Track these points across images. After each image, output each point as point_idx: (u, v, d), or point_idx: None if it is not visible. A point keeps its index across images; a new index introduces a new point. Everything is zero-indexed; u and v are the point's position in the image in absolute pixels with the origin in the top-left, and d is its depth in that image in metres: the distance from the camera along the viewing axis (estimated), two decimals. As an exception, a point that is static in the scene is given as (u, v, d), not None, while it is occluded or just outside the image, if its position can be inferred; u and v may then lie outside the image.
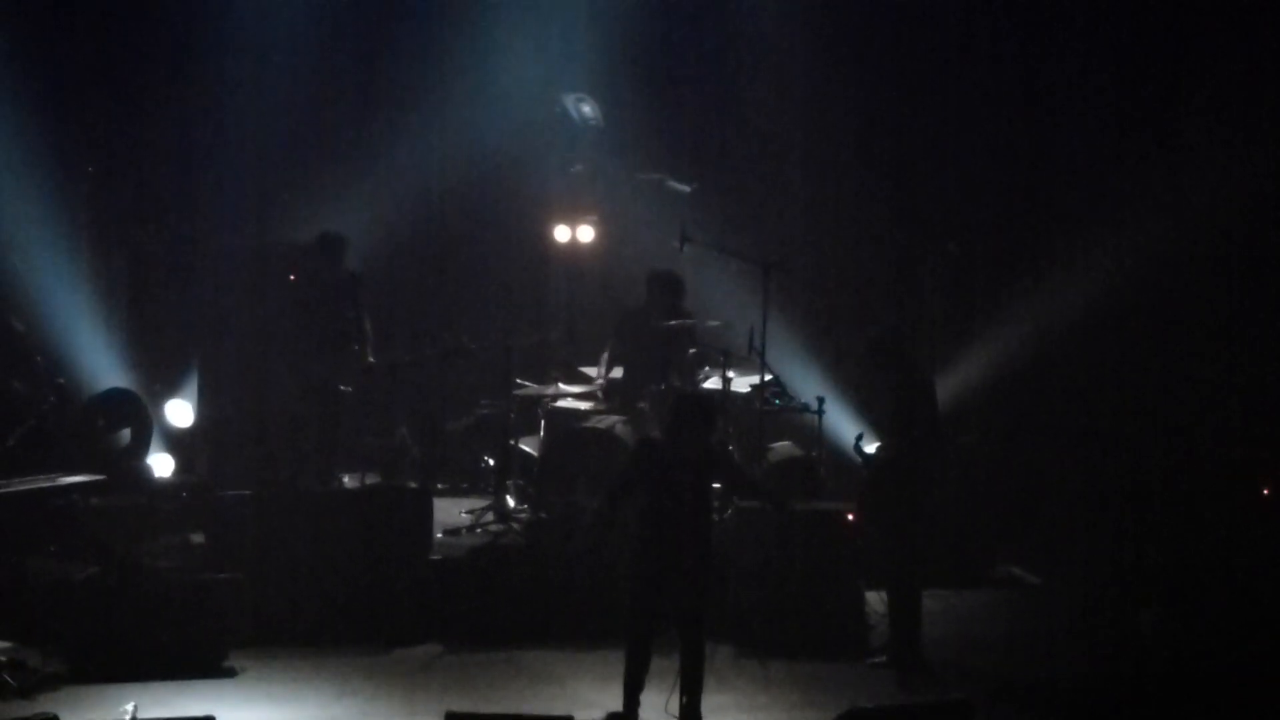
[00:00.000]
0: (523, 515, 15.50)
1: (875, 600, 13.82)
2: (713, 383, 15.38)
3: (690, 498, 11.49)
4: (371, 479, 15.93)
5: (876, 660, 13.27)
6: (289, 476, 15.48)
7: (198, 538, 14.55)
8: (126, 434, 15.41)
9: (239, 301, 16.32)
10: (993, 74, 17.91)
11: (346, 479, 15.96)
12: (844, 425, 14.61)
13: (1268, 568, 14.46)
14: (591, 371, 16.26)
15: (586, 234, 18.22)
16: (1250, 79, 16.93)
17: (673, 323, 15.62)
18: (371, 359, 15.86)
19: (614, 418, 15.32)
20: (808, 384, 15.73)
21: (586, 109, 18.29)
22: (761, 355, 14.69)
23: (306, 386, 15.76)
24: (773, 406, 14.99)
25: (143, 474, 15.53)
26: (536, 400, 16.04)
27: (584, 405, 15.78)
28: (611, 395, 15.90)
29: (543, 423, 15.87)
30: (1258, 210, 16.89)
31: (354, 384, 15.80)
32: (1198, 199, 16.65)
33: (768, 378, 14.91)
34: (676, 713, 11.47)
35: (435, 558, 14.63)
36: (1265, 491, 15.84)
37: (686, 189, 17.95)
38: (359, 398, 15.97)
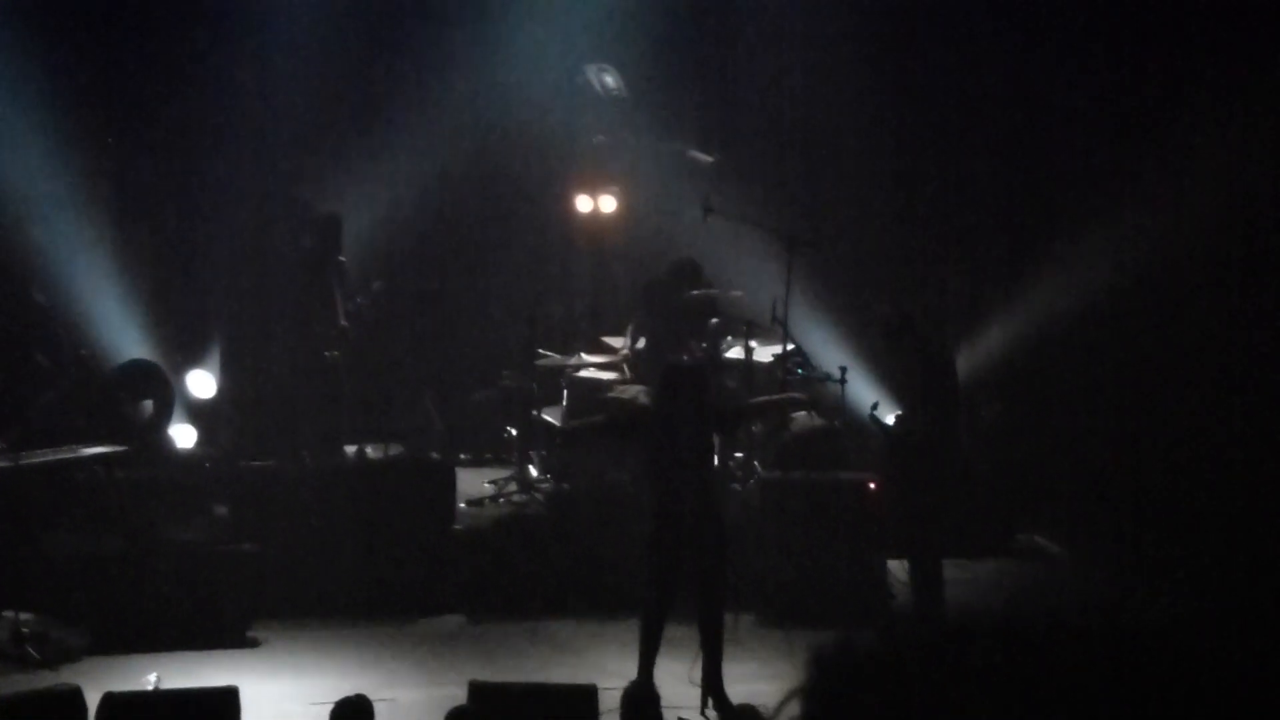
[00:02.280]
0: (545, 486, 15.53)
1: (897, 569, 13.81)
2: (735, 352, 15.36)
3: (697, 466, 11.51)
4: (394, 450, 15.94)
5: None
6: (296, 448, 15.44)
7: (220, 509, 14.57)
8: (149, 405, 15.41)
9: (259, 272, 16.32)
10: (1016, 58, 17.79)
11: (370, 450, 15.97)
12: (866, 395, 14.56)
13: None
14: (615, 342, 16.25)
15: (609, 204, 18.15)
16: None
17: (694, 293, 15.59)
18: (344, 322, 15.83)
19: (636, 388, 15.30)
20: (830, 354, 15.69)
21: (609, 79, 18.23)
22: (784, 325, 14.66)
23: (294, 357, 15.71)
24: (795, 376, 14.96)
25: (165, 445, 15.55)
26: (559, 371, 16.04)
27: (606, 375, 15.77)
28: (636, 366, 15.89)
29: (565, 393, 15.86)
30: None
31: (338, 348, 15.79)
32: (1230, 170, 16.54)
33: (790, 347, 14.89)
34: (699, 681, 11.49)
35: (458, 528, 14.66)
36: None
37: (709, 160, 17.89)
38: (349, 363, 15.95)
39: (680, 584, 11.58)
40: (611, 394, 15.29)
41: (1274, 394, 16.11)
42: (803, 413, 15.47)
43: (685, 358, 14.79)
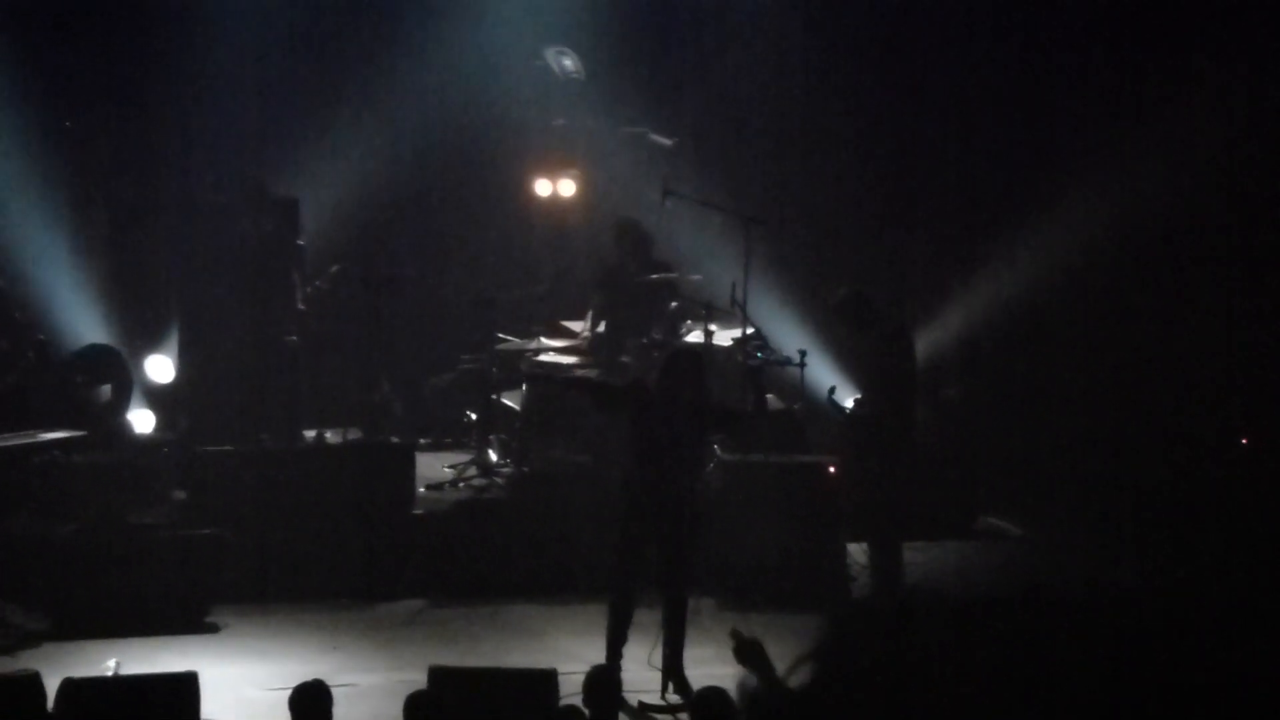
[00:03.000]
0: (505, 470, 15.52)
1: (857, 552, 13.83)
2: (695, 336, 15.35)
3: (679, 452, 11.52)
4: (353, 434, 15.90)
5: (858, 612, 13.28)
6: (255, 432, 15.38)
7: (179, 494, 14.52)
8: (107, 390, 15.35)
9: (217, 256, 16.24)
10: (982, 24, 17.82)
11: (329, 434, 15.94)
12: (826, 378, 14.59)
13: (1246, 517, 14.51)
14: (574, 326, 16.25)
15: (568, 188, 18.13)
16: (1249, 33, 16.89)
17: (654, 277, 15.59)
18: (302, 306, 15.78)
19: (595, 372, 15.29)
20: (790, 337, 15.70)
21: (568, 62, 18.21)
22: (743, 309, 14.65)
23: (253, 342, 15.67)
24: (755, 360, 14.96)
25: (123, 430, 15.49)
26: (519, 355, 16.02)
27: (566, 359, 15.76)
28: (596, 350, 15.88)
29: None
30: (1243, 167, 16.90)
31: (296, 332, 15.74)
32: (1184, 156, 16.62)
33: (750, 331, 14.89)
34: (659, 665, 11.50)
35: (418, 513, 14.64)
36: (1244, 441, 15.92)
37: (669, 143, 17.88)
38: (308, 347, 15.91)
39: (649, 567, 11.62)
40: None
41: (1232, 376, 16.23)
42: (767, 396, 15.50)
43: (688, 344, 14.79)
